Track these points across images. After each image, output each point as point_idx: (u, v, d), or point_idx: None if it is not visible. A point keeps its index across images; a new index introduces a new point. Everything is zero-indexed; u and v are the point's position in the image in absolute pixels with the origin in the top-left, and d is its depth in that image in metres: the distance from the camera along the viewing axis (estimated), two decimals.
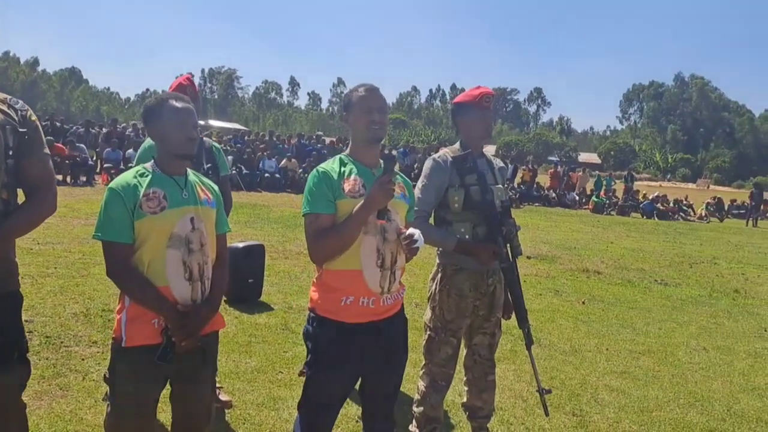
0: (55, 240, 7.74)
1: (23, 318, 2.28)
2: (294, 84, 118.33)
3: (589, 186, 24.80)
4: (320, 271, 2.32)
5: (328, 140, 25.54)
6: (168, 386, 2.34)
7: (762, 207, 24.44)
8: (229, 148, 19.54)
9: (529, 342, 3.13)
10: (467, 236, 2.95)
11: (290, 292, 6.31)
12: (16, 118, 2.08)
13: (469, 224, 2.96)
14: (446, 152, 3.07)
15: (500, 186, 3.08)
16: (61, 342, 4.34)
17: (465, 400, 3.27)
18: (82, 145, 16.46)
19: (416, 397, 3.16)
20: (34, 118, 2.16)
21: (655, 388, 4.52)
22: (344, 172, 2.29)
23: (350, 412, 3.58)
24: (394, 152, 23.82)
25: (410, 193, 2.47)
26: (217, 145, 3.67)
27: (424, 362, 3.13)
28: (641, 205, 22.21)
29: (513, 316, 3.14)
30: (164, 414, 2.94)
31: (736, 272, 10.33)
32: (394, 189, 2.18)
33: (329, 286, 2.28)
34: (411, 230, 2.24)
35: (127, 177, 2.23)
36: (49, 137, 15.39)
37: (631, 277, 8.95)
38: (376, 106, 2.28)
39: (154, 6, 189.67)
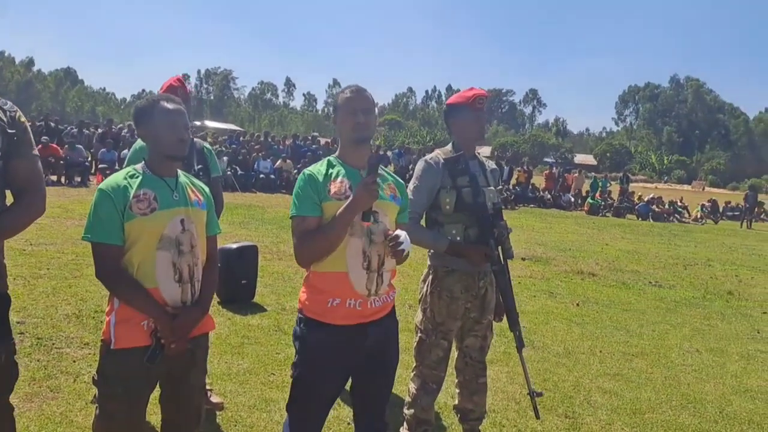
0: (49, 241, 7.70)
1: (15, 320, 2.26)
2: (290, 85, 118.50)
3: (585, 187, 24.83)
4: (308, 273, 2.32)
5: (323, 141, 25.51)
6: (158, 388, 2.33)
7: (756, 209, 24.54)
8: (224, 148, 19.51)
9: (520, 345, 3.12)
10: (459, 238, 2.95)
11: (283, 293, 6.30)
12: (5, 119, 2.06)
13: (461, 226, 2.95)
14: (438, 154, 3.07)
15: (492, 188, 3.08)
16: (53, 344, 4.31)
17: (456, 402, 3.27)
18: (80, 147, 16.42)
19: (407, 399, 3.15)
20: (23, 119, 2.15)
21: (647, 390, 4.53)
22: (331, 173, 2.28)
23: (342, 414, 3.57)
24: (389, 153, 23.85)
25: (402, 194, 2.44)
26: (208, 146, 3.65)
27: (415, 364, 3.12)
28: (636, 207, 22.29)
29: (505, 318, 3.14)
30: (155, 416, 2.93)
31: (730, 274, 10.37)
32: (377, 190, 2.16)
33: (316, 288, 2.28)
34: (397, 232, 2.22)
35: (117, 178, 2.22)
36: (44, 137, 15.47)
37: (625, 279, 8.97)
38: (360, 108, 2.27)
39: (151, 6, 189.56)
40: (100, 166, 16.37)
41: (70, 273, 6.22)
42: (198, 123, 39.50)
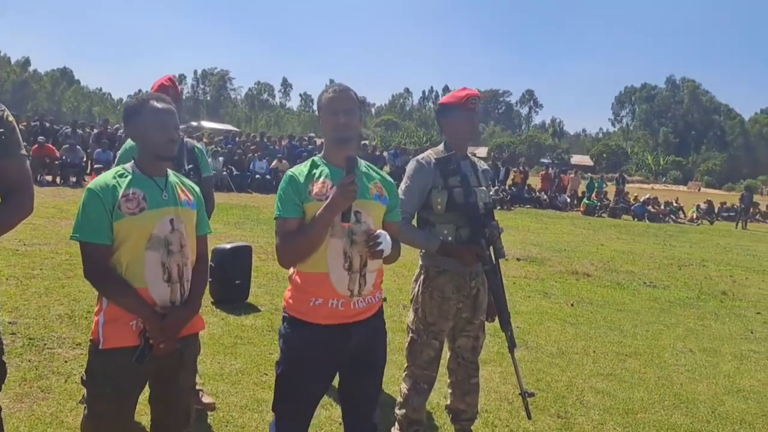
0: (42, 241, 7.67)
1: (7, 320, 2.25)
2: (286, 85, 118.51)
3: (581, 188, 24.86)
4: (293, 272, 2.31)
5: (319, 141, 25.45)
6: (148, 388, 2.32)
7: (751, 210, 24.61)
8: (220, 149, 19.49)
9: (511, 345, 3.11)
10: (450, 238, 2.95)
11: (277, 293, 6.28)
12: None
13: (452, 226, 2.95)
14: (430, 154, 3.07)
15: (483, 188, 3.08)
16: (45, 344, 4.30)
17: (449, 402, 3.27)
18: (79, 147, 16.38)
19: (399, 399, 3.15)
20: (11, 118, 2.13)
21: (640, 390, 4.53)
22: (314, 174, 2.27)
23: (335, 414, 3.56)
24: (385, 154, 23.84)
25: (390, 193, 2.41)
26: (199, 146, 3.64)
27: (406, 364, 3.12)
28: (632, 208, 22.31)
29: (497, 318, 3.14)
30: (145, 416, 2.92)
31: (725, 274, 10.38)
32: (355, 191, 2.13)
33: (300, 287, 2.28)
34: (377, 232, 2.20)
35: (106, 177, 2.21)
36: (40, 137, 15.41)
37: (620, 280, 8.98)
38: (342, 108, 2.26)
39: (148, 7, 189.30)
40: (95, 166, 16.31)
41: (63, 273, 6.20)
42: (194, 123, 39.44)
